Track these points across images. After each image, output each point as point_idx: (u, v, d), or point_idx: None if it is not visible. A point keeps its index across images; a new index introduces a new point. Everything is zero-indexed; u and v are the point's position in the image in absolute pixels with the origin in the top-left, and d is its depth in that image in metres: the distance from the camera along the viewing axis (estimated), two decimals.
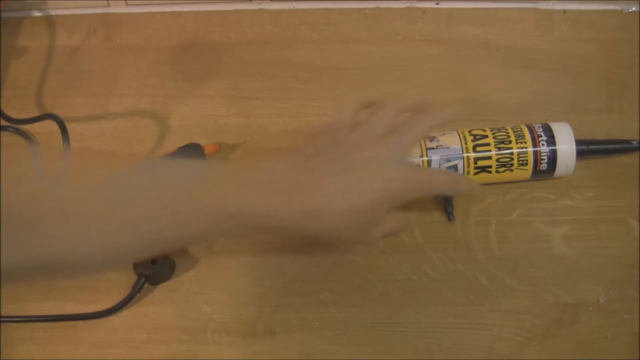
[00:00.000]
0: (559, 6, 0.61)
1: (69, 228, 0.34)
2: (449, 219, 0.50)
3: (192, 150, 0.53)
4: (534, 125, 0.49)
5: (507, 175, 0.49)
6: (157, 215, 0.36)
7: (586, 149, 0.50)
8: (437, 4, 0.62)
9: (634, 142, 0.51)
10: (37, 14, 0.65)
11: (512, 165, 0.49)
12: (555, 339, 0.46)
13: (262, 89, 0.58)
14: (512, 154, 0.48)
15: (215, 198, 0.37)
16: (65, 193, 0.34)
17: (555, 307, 0.47)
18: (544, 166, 0.49)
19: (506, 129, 0.49)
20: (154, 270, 0.49)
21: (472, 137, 0.49)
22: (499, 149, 0.48)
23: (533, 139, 0.48)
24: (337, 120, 0.45)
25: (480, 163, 0.48)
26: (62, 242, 0.34)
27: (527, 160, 0.48)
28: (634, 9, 0.61)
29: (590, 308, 0.47)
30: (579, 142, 0.49)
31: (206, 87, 0.59)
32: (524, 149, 0.48)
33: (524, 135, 0.49)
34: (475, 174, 0.49)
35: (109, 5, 0.64)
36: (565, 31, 0.60)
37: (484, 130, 0.49)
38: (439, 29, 0.61)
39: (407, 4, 0.62)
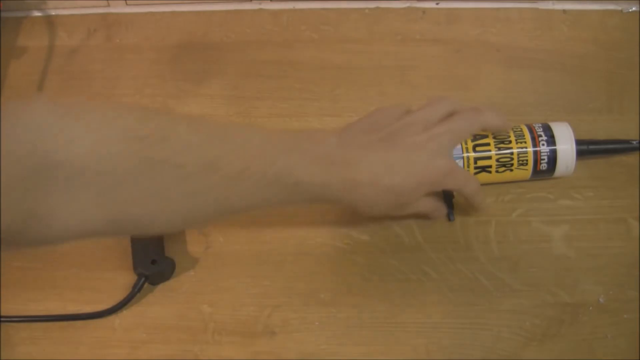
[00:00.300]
0: (559, 6, 0.61)
1: (149, 191, 0.35)
2: (449, 219, 0.50)
3: None
4: (533, 125, 0.49)
5: (507, 175, 0.49)
6: (231, 181, 0.38)
7: (586, 149, 0.50)
8: (437, 4, 0.62)
9: (634, 142, 0.51)
10: (37, 14, 0.65)
11: (512, 165, 0.48)
12: (555, 339, 0.46)
13: (262, 89, 0.58)
14: (512, 154, 0.48)
15: (280, 166, 0.39)
16: (151, 154, 0.34)
17: (555, 307, 0.47)
18: (544, 166, 0.49)
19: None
20: (154, 270, 0.49)
21: (471, 137, 0.49)
22: (499, 149, 0.48)
23: (533, 138, 0.48)
24: (391, 106, 0.47)
25: (480, 163, 0.48)
26: (140, 204, 0.35)
27: (527, 160, 0.48)
28: (634, 9, 0.61)
29: (590, 308, 0.47)
30: (579, 142, 0.49)
31: (206, 87, 0.59)
32: (524, 149, 0.48)
33: (523, 135, 0.49)
34: (475, 173, 0.49)
35: (109, 5, 0.64)
36: (565, 31, 0.60)
37: (484, 130, 0.49)
38: (439, 29, 0.61)
39: (407, 4, 0.62)
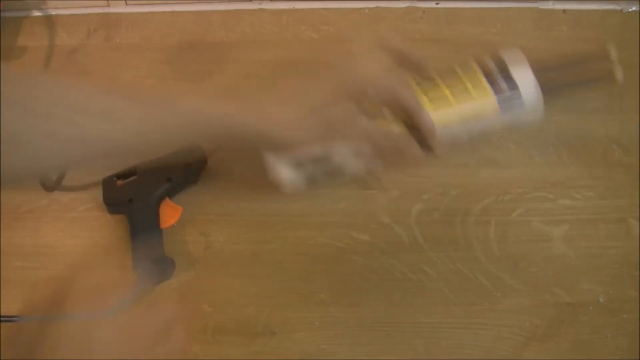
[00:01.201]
0: (559, 6, 0.61)
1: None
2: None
3: (193, 150, 0.53)
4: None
5: (470, 104, 0.44)
6: (160, 127, 0.40)
7: (542, 67, 0.46)
8: (437, 3, 0.62)
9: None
10: (37, 14, 0.65)
11: (467, 89, 0.44)
12: (555, 338, 0.46)
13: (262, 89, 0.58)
14: (457, 74, 0.44)
15: (199, 106, 0.41)
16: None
17: (555, 307, 0.47)
18: (503, 85, 0.44)
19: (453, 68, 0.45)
20: (154, 270, 0.49)
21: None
22: (444, 77, 0.45)
23: (479, 63, 0.45)
24: None
25: (432, 94, 0.44)
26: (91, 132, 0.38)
27: (479, 80, 0.44)
28: (634, 8, 0.61)
29: (590, 308, 0.47)
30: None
31: (206, 87, 0.59)
32: (470, 67, 0.45)
33: (469, 64, 0.45)
34: (435, 108, 0.44)
35: (109, 5, 0.64)
36: (565, 31, 0.60)
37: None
38: (439, 29, 0.61)
39: (407, 4, 0.62)
